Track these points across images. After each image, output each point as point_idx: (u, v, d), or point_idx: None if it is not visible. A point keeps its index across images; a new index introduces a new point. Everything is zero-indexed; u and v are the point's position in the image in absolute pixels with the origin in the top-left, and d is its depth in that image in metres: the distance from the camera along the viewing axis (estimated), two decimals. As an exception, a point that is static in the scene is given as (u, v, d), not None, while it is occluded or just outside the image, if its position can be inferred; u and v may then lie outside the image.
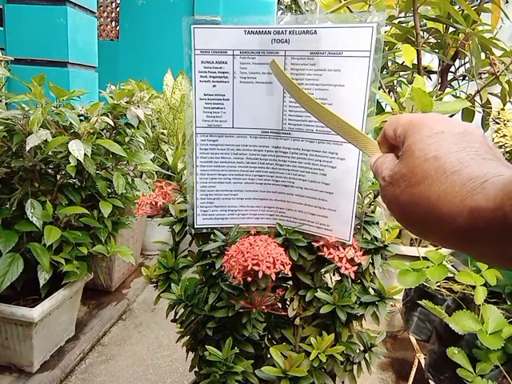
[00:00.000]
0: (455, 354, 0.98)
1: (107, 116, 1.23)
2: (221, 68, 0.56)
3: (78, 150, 1.07)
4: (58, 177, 1.22)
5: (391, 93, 1.28)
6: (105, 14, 2.94)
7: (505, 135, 1.33)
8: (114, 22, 2.95)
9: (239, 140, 0.59)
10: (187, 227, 0.63)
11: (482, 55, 1.10)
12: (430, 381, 1.09)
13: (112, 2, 2.93)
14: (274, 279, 0.51)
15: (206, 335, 0.63)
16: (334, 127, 0.38)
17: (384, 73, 1.29)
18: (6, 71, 1.18)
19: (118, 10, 2.90)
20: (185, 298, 0.63)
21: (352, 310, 0.61)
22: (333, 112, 0.38)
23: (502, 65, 1.10)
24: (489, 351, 0.93)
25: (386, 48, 1.19)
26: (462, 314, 1.00)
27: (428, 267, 1.07)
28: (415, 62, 1.06)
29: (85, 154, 1.08)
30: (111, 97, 1.28)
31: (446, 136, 0.27)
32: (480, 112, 1.30)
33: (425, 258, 1.13)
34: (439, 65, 1.29)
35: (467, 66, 1.27)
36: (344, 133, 0.37)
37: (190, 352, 0.69)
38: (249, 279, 0.51)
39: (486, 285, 1.03)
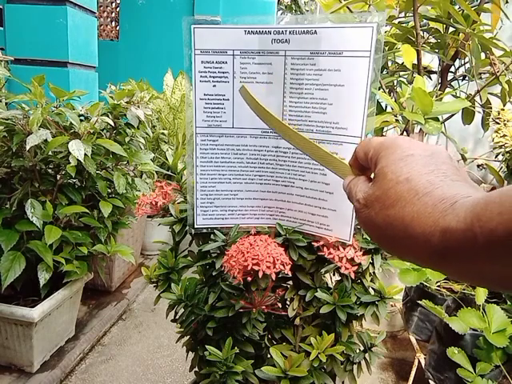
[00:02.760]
0: (455, 353, 0.98)
1: (107, 116, 1.23)
2: (221, 68, 0.56)
3: (78, 149, 1.07)
4: (58, 177, 1.22)
5: (391, 93, 1.28)
6: (105, 14, 2.94)
7: (505, 135, 1.33)
8: (114, 22, 2.95)
9: (239, 140, 0.59)
10: (187, 227, 0.63)
11: (482, 55, 1.10)
12: (429, 381, 1.09)
13: (112, 2, 2.93)
14: (274, 279, 0.51)
15: (206, 335, 0.63)
16: (307, 150, 0.39)
17: (384, 73, 1.29)
18: (5, 71, 1.18)
19: (117, 10, 2.90)
20: (185, 298, 0.63)
21: (352, 309, 0.61)
22: (304, 136, 0.40)
23: (501, 65, 1.10)
24: (490, 350, 0.94)
25: (386, 48, 1.19)
26: (466, 312, 1.00)
27: (428, 267, 1.08)
28: (415, 62, 1.06)
29: (85, 154, 1.09)
30: (111, 97, 1.28)
31: (416, 158, 0.28)
32: (480, 112, 1.30)
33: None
34: (439, 65, 1.29)
35: (467, 66, 1.27)
36: (317, 156, 0.38)
37: (190, 352, 0.69)
38: (249, 279, 0.51)
39: (486, 285, 1.03)
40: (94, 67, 1.88)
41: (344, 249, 0.58)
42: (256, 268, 0.50)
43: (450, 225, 0.23)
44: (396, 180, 0.27)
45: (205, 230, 0.63)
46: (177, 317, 0.67)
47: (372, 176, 0.32)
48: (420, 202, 0.25)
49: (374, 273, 0.66)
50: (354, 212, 0.31)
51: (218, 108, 0.57)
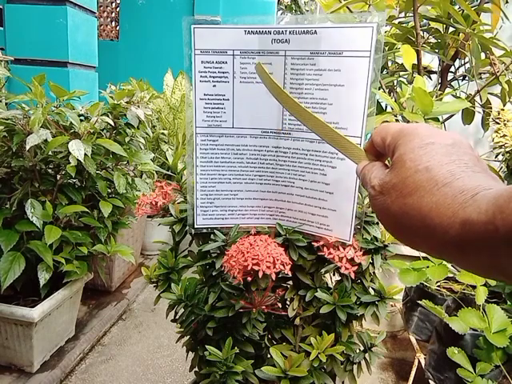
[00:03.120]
0: (455, 353, 0.98)
1: (107, 116, 1.23)
2: (221, 68, 0.56)
3: (78, 149, 1.07)
4: (58, 177, 1.22)
5: (391, 93, 1.28)
6: (105, 14, 2.94)
7: (505, 135, 1.33)
8: (114, 22, 2.95)
9: (239, 140, 0.59)
10: (187, 227, 0.63)
11: (482, 55, 1.10)
12: (429, 381, 1.09)
13: (112, 2, 2.93)
14: (274, 279, 0.51)
15: (206, 335, 0.63)
16: (320, 133, 0.38)
17: (384, 73, 1.29)
18: (6, 71, 1.18)
19: (117, 10, 2.90)
20: (185, 298, 0.63)
21: (352, 310, 0.61)
22: (319, 118, 0.38)
23: (502, 65, 1.10)
24: (490, 350, 0.94)
25: (386, 48, 1.19)
26: (466, 312, 1.00)
27: (428, 267, 1.08)
28: (415, 62, 1.06)
29: (85, 154, 1.08)
30: (111, 97, 1.28)
31: (437, 147, 0.27)
32: (480, 112, 1.30)
33: (425, 258, 1.13)
34: (439, 65, 1.29)
35: (467, 66, 1.27)
36: (330, 139, 0.37)
37: (190, 352, 0.69)
38: (249, 279, 0.51)
39: (486, 285, 1.03)
40: (94, 67, 1.88)
41: (344, 249, 0.58)
42: (256, 268, 0.50)
43: (470, 217, 0.23)
44: (415, 168, 0.26)
45: (205, 230, 0.63)
46: (177, 317, 0.67)
47: (387, 162, 0.31)
48: (439, 193, 0.25)
49: (374, 273, 0.66)
50: (369, 198, 0.31)
51: (218, 108, 0.57)
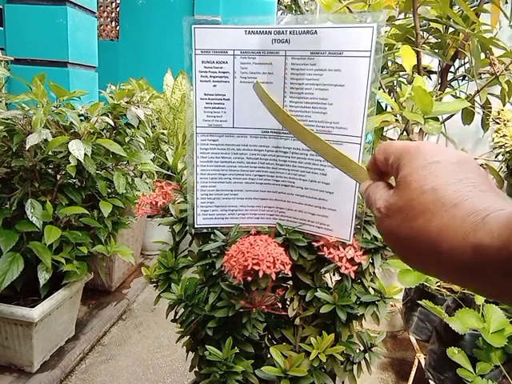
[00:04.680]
0: (455, 353, 0.98)
1: (107, 116, 1.23)
2: (221, 68, 0.56)
3: (78, 149, 1.07)
4: (58, 177, 1.22)
5: (391, 93, 1.28)
6: (105, 14, 2.93)
7: (505, 135, 1.33)
8: (114, 22, 2.95)
9: (240, 140, 0.59)
10: (187, 227, 0.63)
11: (482, 55, 1.10)
12: (429, 381, 1.09)
13: (112, 2, 2.93)
14: (274, 279, 0.51)
15: (206, 335, 0.63)
16: (321, 152, 0.37)
17: (384, 73, 1.29)
18: (6, 71, 1.18)
19: (117, 10, 2.89)
20: (185, 297, 0.63)
21: (352, 309, 0.61)
22: (320, 137, 0.37)
23: (501, 65, 1.10)
24: (489, 350, 0.94)
25: (386, 48, 1.19)
26: (464, 312, 1.00)
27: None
28: (415, 62, 1.06)
29: (85, 154, 1.08)
30: (111, 97, 1.28)
31: (442, 166, 0.26)
32: (480, 112, 1.30)
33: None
34: (439, 65, 1.29)
35: (467, 66, 1.27)
36: (331, 158, 0.36)
37: (190, 352, 0.69)
38: (249, 279, 0.51)
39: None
40: (94, 67, 1.88)
41: (344, 248, 0.58)
42: (256, 268, 0.50)
43: (482, 241, 0.22)
44: (420, 190, 0.25)
45: (205, 230, 0.63)
46: (177, 317, 0.67)
47: (391, 181, 0.31)
48: (448, 214, 0.23)
49: (373, 273, 0.66)
50: (375, 221, 0.30)
51: (218, 108, 0.57)
